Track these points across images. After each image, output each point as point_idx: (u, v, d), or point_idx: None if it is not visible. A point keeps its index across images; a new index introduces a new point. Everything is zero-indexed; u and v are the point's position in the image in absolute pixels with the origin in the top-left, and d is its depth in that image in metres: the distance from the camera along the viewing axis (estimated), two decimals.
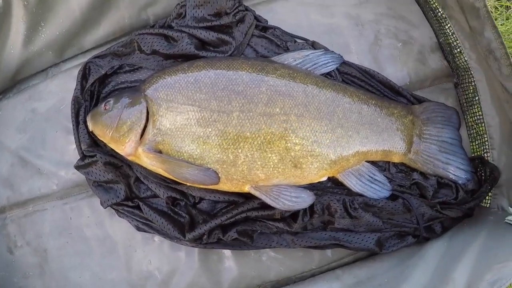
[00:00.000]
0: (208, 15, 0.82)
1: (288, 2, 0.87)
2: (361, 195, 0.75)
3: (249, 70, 0.74)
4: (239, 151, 0.71)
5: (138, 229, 0.79)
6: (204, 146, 0.71)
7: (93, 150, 0.78)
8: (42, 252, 0.85)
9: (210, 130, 0.71)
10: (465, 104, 0.86)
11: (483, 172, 0.79)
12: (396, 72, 0.86)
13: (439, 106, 0.81)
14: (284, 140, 0.71)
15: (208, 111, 0.71)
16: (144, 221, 0.78)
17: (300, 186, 0.73)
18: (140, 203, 0.78)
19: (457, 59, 0.85)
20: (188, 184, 0.75)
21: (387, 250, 0.77)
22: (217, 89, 0.72)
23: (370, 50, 0.87)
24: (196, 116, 0.71)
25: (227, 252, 0.81)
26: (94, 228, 0.83)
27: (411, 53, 0.87)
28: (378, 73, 0.83)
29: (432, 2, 0.85)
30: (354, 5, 0.88)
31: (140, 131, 0.73)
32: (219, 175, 0.71)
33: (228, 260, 0.81)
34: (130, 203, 0.79)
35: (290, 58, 0.77)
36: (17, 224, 0.86)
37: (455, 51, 0.85)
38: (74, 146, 0.81)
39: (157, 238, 0.82)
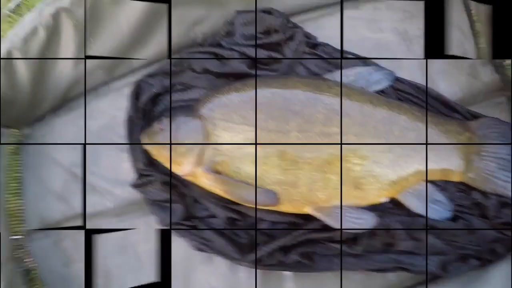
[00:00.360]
0: (258, 32, 0.83)
1: (335, 18, 0.86)
2: (421, 216, 0.73)
3: (304, 89, 0.73)
4: (299, 172, 0.70)
5: (197, 249, 0.78)
6: (263, 167, 0.70)
7: (149, 169, 0.79)
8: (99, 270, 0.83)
9: (268, 150, 0.71)
10: None
11: None
12: (448, 87, 0.84)
13: (494, 122, 0.79)
14: (344, 160, 0.71)
15: (265, 131, 0.71)
16: (203, 241, 0.77)
17: (360, 207, 0.72)
18: (199, 223, 0.77)
19: (507, 72, 0.83)
20: (247, 205, 0.75)
21: (450, 274, 0.74)
22: (273, 109, 0.72)
23: (420, 66, 0.85)
24: (253, 137, 0.71)
25: (287, 274, 0.78)
26: (151, 247, 0.82)
27: (462, 67, 0.85)
28: (431, 89, 0.82)
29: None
30: (400, 20, 0.87)
31: (197, 151, 0.73)
32: (279, 196, 0.71)
33: (289, 282, 0.78)
34: (188, 223, 0.78)
35: (343, 75, 0.77)
36: (73, 239, 0.86)
37: (505, 63, 0.83)
38: (128, 164, 0.82)
39: (216, 258, 0.80)
